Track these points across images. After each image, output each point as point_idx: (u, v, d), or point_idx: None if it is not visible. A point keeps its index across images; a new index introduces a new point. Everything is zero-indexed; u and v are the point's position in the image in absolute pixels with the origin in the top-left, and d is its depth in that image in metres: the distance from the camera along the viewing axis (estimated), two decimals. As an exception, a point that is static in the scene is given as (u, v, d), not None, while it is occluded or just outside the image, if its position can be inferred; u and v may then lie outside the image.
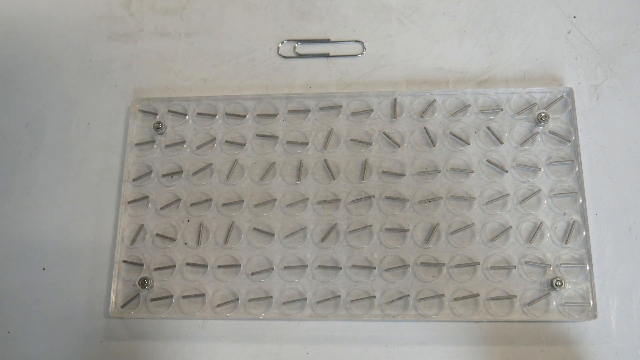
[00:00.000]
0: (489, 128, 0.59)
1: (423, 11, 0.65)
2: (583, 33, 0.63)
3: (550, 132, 0.58)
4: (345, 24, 0.65)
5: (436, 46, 0.64)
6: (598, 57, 0.62)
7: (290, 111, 0.61)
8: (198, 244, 0.58)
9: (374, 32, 0.64)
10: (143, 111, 0.62)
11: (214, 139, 0.60)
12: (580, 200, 0.56)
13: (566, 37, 0.63)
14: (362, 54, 0.64)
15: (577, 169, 0.57)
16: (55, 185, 0.62)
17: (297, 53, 0.64)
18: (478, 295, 0.54)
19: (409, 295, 0.55)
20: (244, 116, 0.61)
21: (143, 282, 0.56)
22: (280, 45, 0.65)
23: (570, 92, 0.59)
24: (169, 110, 0.62)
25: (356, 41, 0.64)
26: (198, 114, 0.61)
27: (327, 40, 0.64)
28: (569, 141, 0.58)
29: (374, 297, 0.55)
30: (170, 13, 0.67)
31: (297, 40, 0.64)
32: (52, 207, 0.61)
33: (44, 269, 0.59)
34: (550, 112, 0.59)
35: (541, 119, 0.58)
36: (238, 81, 0.64)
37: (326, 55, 0.64)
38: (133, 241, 0.58)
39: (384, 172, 0.58)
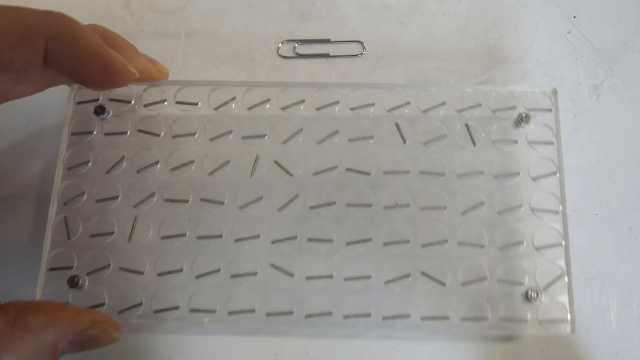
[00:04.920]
0: (467, 126, 0.55)
1: (423, 11, 0.65)
2: (583, 33, 0.63)
3: (531, 135, 0.55)
4: (345, 24, 0.65)
5: (436, 46, 0.64)
6: (598, 57, 0.62)
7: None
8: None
9: (374, 32, 0.64)
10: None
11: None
12: (561, 208, 0.53)
13: (566, 37, 0.63)
14: (362, 54, 0.64)
15: (557, 175, 0.53)
16: (55, 185, 0.62)
17: (297, 53, 0.64)
18: (448, 318, 0.51)
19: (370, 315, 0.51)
20: (196, 104, 0.57)
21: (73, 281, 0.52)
22: (280, 45, 0.65)
23: (554, 93, 0.55)
24: (109, 99, 0.57)
25: (356, 41, 0.64)
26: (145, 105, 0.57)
27: (327, 40, 0.64)
28: (552, 143, 0.54)
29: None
30: (170, 13, 0.67)
31: (297, 41, 0.64)
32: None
33: (44, 269, 0.59)
34: (533, 113, 0.55)
35: (522, 120, 0.54)
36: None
37: (326, 56, 0.64)
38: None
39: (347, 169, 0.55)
